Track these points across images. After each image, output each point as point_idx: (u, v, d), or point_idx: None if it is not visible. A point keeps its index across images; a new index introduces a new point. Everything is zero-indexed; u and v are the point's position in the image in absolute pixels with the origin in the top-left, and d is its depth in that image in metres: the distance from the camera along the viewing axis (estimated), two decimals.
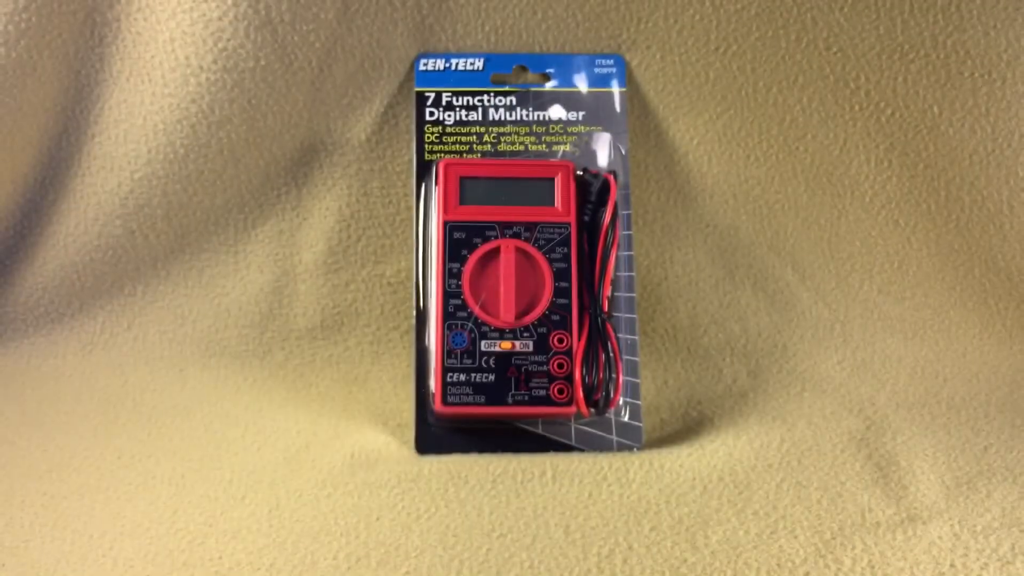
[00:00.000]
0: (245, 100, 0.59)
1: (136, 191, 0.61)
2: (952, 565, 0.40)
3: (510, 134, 0.58)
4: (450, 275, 0.53)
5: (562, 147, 0.58)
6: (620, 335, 0.54)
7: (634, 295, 0.56)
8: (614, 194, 0.55)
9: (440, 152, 0.57)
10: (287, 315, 0.63)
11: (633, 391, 0.54)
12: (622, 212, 0.56)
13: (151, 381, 0.60)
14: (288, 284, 0.63)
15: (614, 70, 0.59)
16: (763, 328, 0.62)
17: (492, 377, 0.52)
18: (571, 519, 0.44)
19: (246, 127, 0.60)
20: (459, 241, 0.54)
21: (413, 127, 0.59)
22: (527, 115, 0.58)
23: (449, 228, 0.54)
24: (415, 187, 0.57)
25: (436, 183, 0.55)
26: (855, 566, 0.40)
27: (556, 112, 0.58)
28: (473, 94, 0.58)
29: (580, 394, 0.52)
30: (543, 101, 0.58)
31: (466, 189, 0.55)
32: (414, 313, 0.55)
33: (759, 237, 0.62)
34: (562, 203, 0.55)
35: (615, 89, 0.59)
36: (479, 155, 0.57)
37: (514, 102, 0.58)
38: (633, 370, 0.54)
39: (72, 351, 0.62)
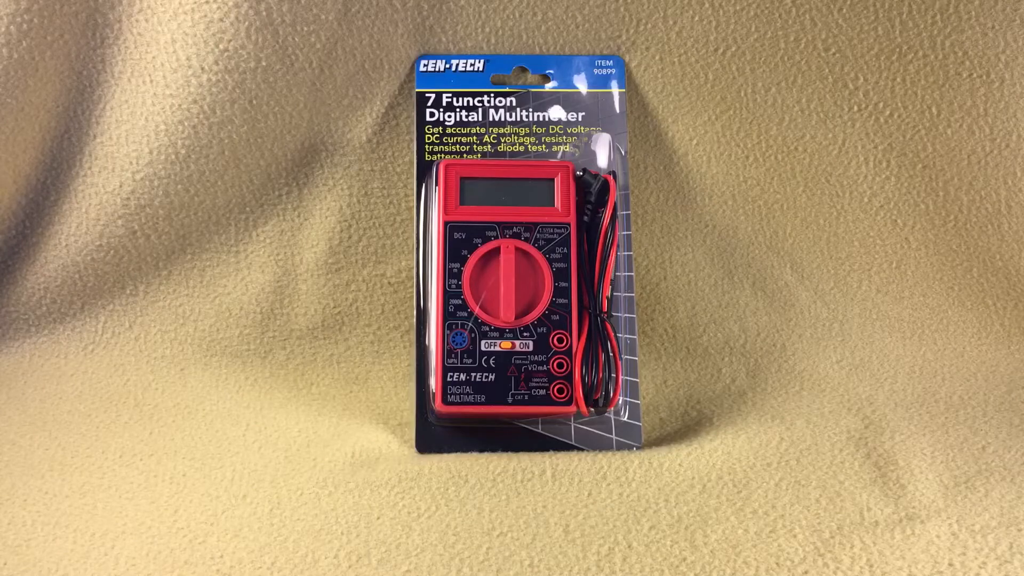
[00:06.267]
0: (246, 101, 0.59)
1: (138, 191, 0.61)
2: (950, 564, 0.40)
3: (510, 135, 0.58)
4: (450, 275, 0.53)
5: (562, 148, 0.58)
6: (619, 335, 0.54)
7: (633, 295, 0.56)
8: (614, 194, 0.55)
9: (440, 153, 0.58)
10: (288, 315, 0.63)
11: (632, 390, 0.54)
12: (621, 212, 0.56)
13: (152, 380, 0.60)
14: (289, 284, 0.63)
15: (613, 71, 0.59)
16: (762, 327, 0.62)
17: (492, 376, 0.52)
18: (571, 518, 0.44)
19: (247, 128, 0.60)
20: (459, 241, 0.54)
21: (414, 128, 0.59)
22: (527, 116, 0.58)
23: (449, 228, 0.54)
24: (416, 187, 0.57)
25: (436, 183, 0.55)
26: (854, 565, 0.40)
27: (556, 113, 0.58)
28: (473, 95, 0.59)
29: (580, 393, 0.52)
30: (543, 102, 0.59)
31: (466, 189, 0.55)
32: (414, 313, 0.55)
33: (758, 237, 0.63)
34: (562, 203, 0.55)
35: (614, 90, 0.59)
36: (479, 156, 0.58)
37: (514, 103, 0.59)
38: (632, 369, 0.54)
39: (74, 350, 0.62)
